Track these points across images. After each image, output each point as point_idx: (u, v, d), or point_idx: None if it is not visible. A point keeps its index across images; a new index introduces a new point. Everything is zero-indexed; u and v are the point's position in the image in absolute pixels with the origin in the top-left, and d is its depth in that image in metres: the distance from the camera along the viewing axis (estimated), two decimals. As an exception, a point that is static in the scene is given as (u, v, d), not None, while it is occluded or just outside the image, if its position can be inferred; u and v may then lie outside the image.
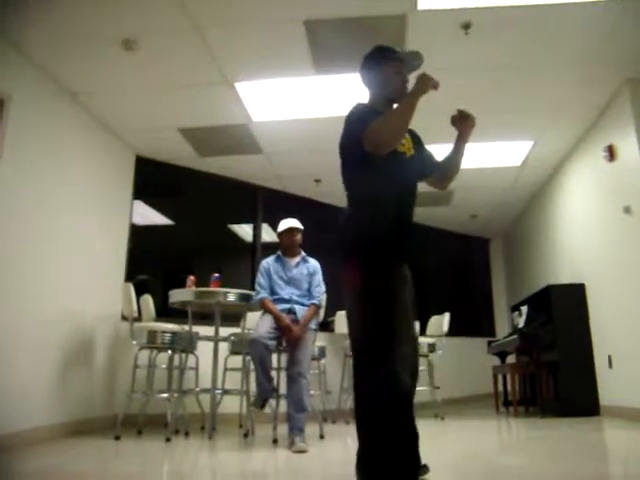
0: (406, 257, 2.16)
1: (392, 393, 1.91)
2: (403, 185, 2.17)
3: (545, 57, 4.05)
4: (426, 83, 2.05)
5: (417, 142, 2.34)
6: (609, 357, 5.00)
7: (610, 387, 5.03)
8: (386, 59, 2.27)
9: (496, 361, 6.78)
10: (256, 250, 6.46)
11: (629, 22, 3.72)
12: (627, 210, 4.53)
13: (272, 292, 4.00)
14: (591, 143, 5.28)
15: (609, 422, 4.69)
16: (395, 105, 2.22)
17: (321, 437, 4.03)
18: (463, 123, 2.30)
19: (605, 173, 5.02)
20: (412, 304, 2.14)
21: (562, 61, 4.13)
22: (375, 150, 2.02)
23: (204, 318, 4.84)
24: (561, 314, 5.47)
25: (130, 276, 5.19)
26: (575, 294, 5.52)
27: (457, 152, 2.36)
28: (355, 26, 3.73)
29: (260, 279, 4.04)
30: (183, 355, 4.37)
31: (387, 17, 3.64)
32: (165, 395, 4.25)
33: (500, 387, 6.37)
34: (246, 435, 4.09)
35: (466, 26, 3.65)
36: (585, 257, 5.59)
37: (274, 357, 4.00)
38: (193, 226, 6.62)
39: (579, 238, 5.76)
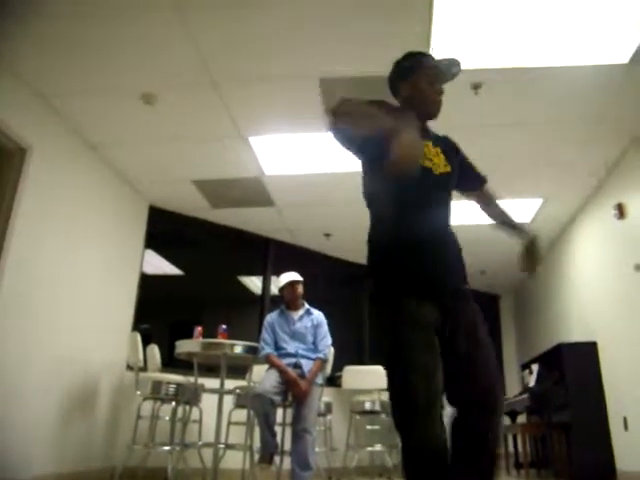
0: (432, 291, 1.76)
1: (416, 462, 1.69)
2: (426, 205, 1.86)
3: (551, 116, 4.13)
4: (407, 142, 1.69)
5: (452, 152, 2.05)
6: (624, 419, 4.84)
7: (626, 451, 4.85)
8: (419, 67, 1.99)
9: (506, 421, 6.60)
10: (265, 302, 6.43)
11: (632, 83, 3.82)
12: (638, 268, 4.50)
13: (277, 347, 3.97)
14: (601, 201, 5.31)
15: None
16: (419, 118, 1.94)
17: (326, 497, 3.90)
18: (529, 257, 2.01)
19: (615, 231, 5.02)
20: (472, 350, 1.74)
21: (568, 120, 4.21)
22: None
23: (210, 370, 4.79)
24: (573, 373, 5.35)
25: (137, 325, 5.17)
26: (587, 352, 5.40)
27: (501, 223, 2.14)
28: (369, 85, 3.83)
29: (264, 335, 4.03)
30: (187, 407, 4.30)
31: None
32: (167, 448, 4.16)
33: (511, 448, 6.18)
34: (248, 493, 3.97)
35: (476, 86, 3.75)
36: (596, 315, 5.51)
37: (279, 412, 3.93)
38: (203, 277, 6.64)
39: (590, 296, 5.70)
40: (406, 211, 1.82)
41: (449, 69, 2.01)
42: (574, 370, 5.36)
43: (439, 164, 1.92)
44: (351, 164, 4.93)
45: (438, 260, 1.81)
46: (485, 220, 2.26)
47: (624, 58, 3.54)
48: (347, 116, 1.82)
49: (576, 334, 5.99)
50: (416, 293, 1.73)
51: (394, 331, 1.71)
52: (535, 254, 2.01)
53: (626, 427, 4.81)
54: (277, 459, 3.89)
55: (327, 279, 7.22)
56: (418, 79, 1.97)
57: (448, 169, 1.94)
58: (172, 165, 4.99)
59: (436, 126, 2.15)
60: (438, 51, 3.47)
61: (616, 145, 4.66)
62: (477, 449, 1.71)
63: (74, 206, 4.34)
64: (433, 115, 1.99)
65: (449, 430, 1.75)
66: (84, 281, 4.44)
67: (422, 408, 1.64)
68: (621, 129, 4.43)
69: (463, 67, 3.71)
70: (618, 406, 4.99)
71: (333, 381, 5.55)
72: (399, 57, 2.11)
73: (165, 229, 5.97)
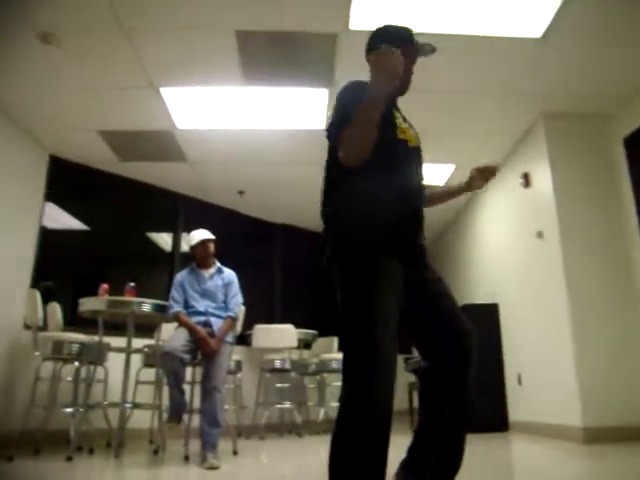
0: (405, 254, 1.83)
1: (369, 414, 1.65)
2: (404, 178, 1.88)
3: (468, 85, 4.24)
4: (387, 66, 1.61)
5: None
6: (519, 375, 5.25)
7: (519, 403, 5.27)
8: (404, 44, 1.94)
9: (412, 378, 6.93)
10: (175, 260, 6.31)
11: (547, 61, 3.98)
12: (539, 235, 4.81)
13: (187, 305, 3.90)
14: (509, 169, 5.57)
15: (517, 437, 4.91)
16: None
17: (234, 453, 3.94)
18: (483, 177, 2.14)
19: (520, 199, 5.31)
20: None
21: (484, 90, 4.35)
22: (345, 161, 1.76)
23: (117, 329, 4.64)
24: (476, 332, 5.66)
25: (37, 282, 4.89)
26: (489, 314, 5.75)
27: (448, 195, 2.26)
28: (287, 40, 3.75)
29: (174, 293, 3.94)
30: (91, 367, 4.15)
31: (319, 35, 3.68)
32: (69, 410, 4.01)
33: (415, 404, 6.52)
34: (156, 452, 3.93)
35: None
36: (499, 278, 5.86)
37: (188, 370, 3.90)
38: (110, 232, 6.35)
39: (495, 260, 6.03)
40: (389, 179, 1.83)
41: (426, 51, 2.05)
42: (476, 330, 5.69)
43: (412, 138, 1.96)
44: (267, 121, 4.86)
45: (415, 225, 1.92)
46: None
47: (537, 33, 3.67)
48: (350, 146, 1.74)
49: (480, 296, 6.34)
50: (392, 253, 1.78)
51: (366, 286, 1.73)
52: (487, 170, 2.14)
53: (520, 382, 5.21)
54: (186, 417, 3.87)
55: (239, 237, 7.15)
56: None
57: (419, 144, 2.01)
58: (76, 113, 4.66)
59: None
60: (358, 11, 3.44)
61: (525, 118, 4.88)
62: (461, 396, 1.84)
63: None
64: (404, 92, 2.02)
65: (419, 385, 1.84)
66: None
67: (387, 358, 1.67)
68: (531, 103, 4.64)
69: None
70: (514, 363, 5.40)
71: (243, 339, 5.57)
72: (384, 24, 2.13)
73: (68, 181, 5.63)
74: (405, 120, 2.02)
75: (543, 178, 4.80)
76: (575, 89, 4.41)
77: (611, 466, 3.23)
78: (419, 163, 2.01)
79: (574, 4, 3.37)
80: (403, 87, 2.00)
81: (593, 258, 4.48)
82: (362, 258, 1.77)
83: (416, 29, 2.01)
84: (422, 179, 2.03)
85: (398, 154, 1.88)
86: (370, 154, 1.74)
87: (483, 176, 2.15)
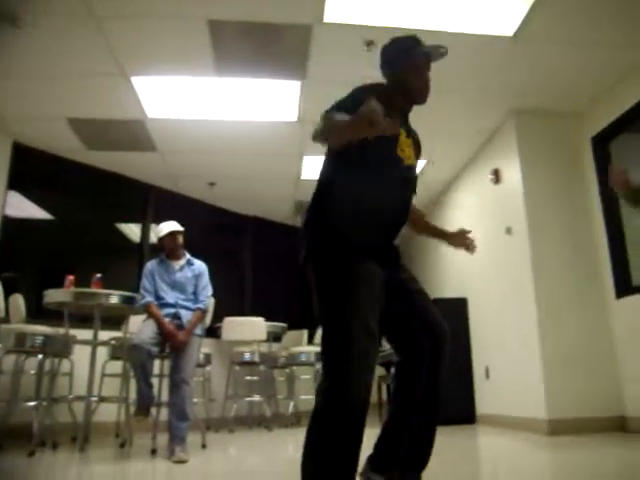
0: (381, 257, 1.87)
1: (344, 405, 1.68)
2: (391, 192, 1.91)
3: (440, 81, 4.25)
4: (362, 123, 1.55)
5: (417, 149, 2.11)
6: (486, 368, 5.33)
7: (487, 396, 5.36)
8: (405, 59, 1.99)
9: (382, 371, 6.98)
10: (144, 251, 6.22)
11: (518, 59, 4.04)
12: (508, 231, 4.88)
13: (157, 297, 3.85)
14: (480, 165, 5.64)
15: (483, 429, 5.00)
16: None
17: (203, 446, 3.92)
18: (460, 242, 2.36)
19: (491, 194, 5.38)
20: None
21: (456, 87, 4.39)
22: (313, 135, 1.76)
23: (84, 321, 4.55)
24: (449, 331, 5.73)
25: (-1, 273, 4.76)
26: (458, 308, 5.82)
27: (428, 232, 2.47)
28: (260, 31, 3.71)
29: (145, 282, 3.89)
30: (56, 360, 4.07)
31: (293, 26, 3.66)
32: (32, 403, 3.92)
33: (384, 397, 6.56)
34: (122, 445, 3.88)
35: (369, 43, 3.75)
36: (469, 273, 5.93)
37: (157, 363, 3.86)
38: (78, 223, 6.22)
39: (465, 255, 6.05)
40: (375, 191, 1.85)
41: (436, 55, 2.03)
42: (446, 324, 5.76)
43: (410, 156, 1.98)
44: (240, 113, 4.81)
45: (393, 235, 1.96)
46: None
47: (509, 31, 3.71)
48: (320, 138, 1.75)
49: (450, 290, 6.41)
50: (368, 254, 1.82)
51: (347, 284, 1.76)
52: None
53: (487, 375, 5.30)
54: (154, 410, 3.83)
55: (210, 229, 7.09)
56: (403, 70, 1.98)
57: (414, 162, 2.04)
58: (42, 100, 4.53)
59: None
60: (333, 3, 3.42)
61: (497, 115, 4.94)
62: (433, 392, 1.91)
63: None
64: (420, 102, 2.02)
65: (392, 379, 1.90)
66: None
67: (366, 356, 1.71)
68: (502, 100, 4.70)
69: (357, 22, 3.70)
70: (482, 357, 5.48)
71: (213, 332, 5.53)
72: (392, 38, 2.08)
73: (34, 170, 5.48)
74: (410, 133, 2.02)
75: (513, 175, 4.87)
76: (546, 87, 4.49)
77: (571, 456, 3.32)
78: (410, 180, 2.02)
79: (546, 3, 3.42)
80: (422, 96, 2.01)
81: (560, 254, 4.57)
82: (339, 260, 1.80)
83: (388, 24, 2.03)
84: (411, 196, 2.04)
85: (391, 169, 1.90)
86: (364, 164, 1.81)
87: (459, 241, 2.30)
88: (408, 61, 1.98)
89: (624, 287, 4.32)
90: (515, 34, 3.73)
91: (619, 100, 4.32)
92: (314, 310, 1.83)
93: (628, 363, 4.23)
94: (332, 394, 1.70)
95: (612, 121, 4.42)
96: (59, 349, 4.02)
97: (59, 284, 4.03)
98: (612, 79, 4.33)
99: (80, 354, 4.26)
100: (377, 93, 1.69)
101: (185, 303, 3.85)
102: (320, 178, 1.95)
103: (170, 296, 3.86)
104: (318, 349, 5.82)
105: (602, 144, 4.52)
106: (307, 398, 5.90)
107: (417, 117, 2.01)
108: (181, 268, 3.98)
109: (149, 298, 3.80)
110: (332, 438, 1.66)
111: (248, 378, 5.80)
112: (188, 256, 4.06)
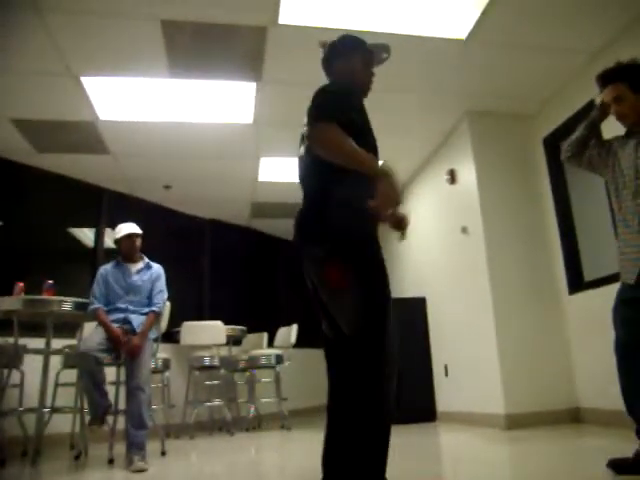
0: None
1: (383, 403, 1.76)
2: None
3: (395, 83, 4.30)
4: (392, 200, 1.76)
5: None
6: (445, 366, 5.41)
7: (446, 394, 5.45)
8: (356, 49, 2.13)
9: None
10: (98, 256, 6.06)
11: (471, 61, 4.12)
12: (464, 230, 4.97)
13: (109, 302, 3.76)
14: (436, 166, 5.72)
15: (444, 426, 5.07)
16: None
17: (163, 454, 3.84)
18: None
19: (446, 194, 5.46)
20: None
21: (411, 88, 4.45)
22: (314, 147, 1.83)
23: (35, 329, 4.39)
24: (404, 326, 5.77)
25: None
26: (417, 307, 5.87)
27: None
28: (215, 32, 3.67)
29: (95, 289, 3.79)
30: (5, 371, 3.91)
31: (248, 27, 3.63)
32: (-20, 417, 3.76)
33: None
34: (78, 457, 3.76)
35: (324, 45, 3.74)
36: (427, 273, 6.00)
37: (113, 370, 3.76)
38: (26, 228, 6.01)
39: (423, 254, 6.16)
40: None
41: (381, 54, 2.16)
42: (404, 323, 5.80)
43: None
44: (194, 115, 4.74)
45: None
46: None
47: (462, 34, 3.78)
48: (327, 148, 1.80)
49: (409, 290, 6.48)
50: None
51: (384, 270, 2.02)
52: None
53: (446, 373, 5.38)
54: (110, 419, 3.73)
55: (166, 233, 6.97)
56: (355, 59, 2.10)
57: None
58: (-14, 100, 4.37)
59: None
60: (287, 5, 3.41)
61: (451, 116, 5.03)
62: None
63: None
64: (364, 95, 2.10)
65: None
66: None
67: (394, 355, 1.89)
68: (456, 102, 4.79)
69: (312, 24, 3.71)
70: (441, 355, 5.56)
71: (172, 337, 5.44)
72: (343, 35, 2.23)
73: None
74: None
75: (468, 175, 4.96)
76: (498, 89, 4.59)
77: (527, 448, 3.41)
78: None
79: (496, 8, 3.50)
80: (368, 90, 2.13)
81: (515, 253, 4.68)
82: (373, 248, 1.99)
83: (343, 26, 2.04)
84: None
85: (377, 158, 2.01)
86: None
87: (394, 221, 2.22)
88: (358, 51, 2.12)
89: (577, 283, 4.46)
90: (467, 37, 3.80)
91: (568, 102, 4.46)
92: (315, 307, 2.00)
93: (581, 357, 4.37)
94: (374, 396, 1.76)
95: (562, 123, 4.55)
96: (8, 360, 3.87)
97: (8, 291, 3.89)
98: (561, 82, 4.48)
99: (32, 364, 4.11)
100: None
101: (136, 308, 3.77)
102: (317, 180, 1.95)
103: (122, 301, 3.77)
104: (279, 351, 5.81)
105: (553, 145, 4.65)
106: (268, 401, 5.87)
107: (374, 116, 2.03)
108: (138, 271, 3.90)
109: (97, 304, 3.71)
110: (382, 440, 1.75)
111: (208, 383, 5.73)
112: (147, 260, 3.97)
